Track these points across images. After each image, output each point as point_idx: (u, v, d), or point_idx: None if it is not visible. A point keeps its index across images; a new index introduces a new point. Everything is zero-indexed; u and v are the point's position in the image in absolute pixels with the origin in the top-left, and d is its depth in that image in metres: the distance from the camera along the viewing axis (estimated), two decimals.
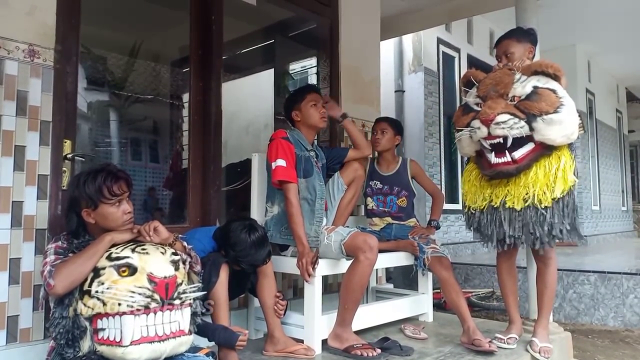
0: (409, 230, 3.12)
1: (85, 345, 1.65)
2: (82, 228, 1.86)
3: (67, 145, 2.36)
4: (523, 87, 2.31)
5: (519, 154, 2.32)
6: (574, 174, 2.37)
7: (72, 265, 1.66)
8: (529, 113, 2.25)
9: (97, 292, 1.62)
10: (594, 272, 4.66)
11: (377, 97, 4.22)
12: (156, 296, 1.63)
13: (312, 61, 4.70)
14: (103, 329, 1.62)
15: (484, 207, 2.50)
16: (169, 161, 4.92)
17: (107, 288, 1.62)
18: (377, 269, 3.44)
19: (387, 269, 4.13)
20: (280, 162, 2.56)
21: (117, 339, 1.59)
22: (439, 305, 3.80)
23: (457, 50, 7.09)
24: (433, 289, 3.29)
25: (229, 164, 4.05)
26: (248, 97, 5.31)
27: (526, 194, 2.35)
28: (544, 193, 2.32)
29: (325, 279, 3.08)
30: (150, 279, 1.64)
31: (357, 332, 2.55)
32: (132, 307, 1.59)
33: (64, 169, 2.33)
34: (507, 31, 2.70)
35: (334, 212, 2.93)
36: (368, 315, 2.80)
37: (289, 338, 2.46)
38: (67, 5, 2.37)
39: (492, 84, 2.41)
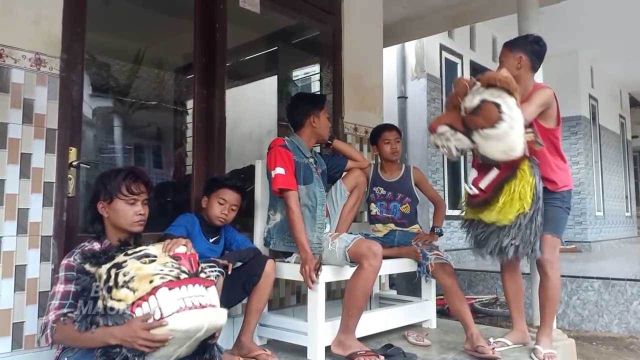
0: (412, 236, 3.12)
1: None
2: (99, 222, 1.95)
3: (73, 153, 2.38)
4: (471, 100, 2.30)
5: (484, 183, 2.39)
6: (536, 191, 2.39)
7: (68, 340, 1.72)
8: (468, 127, 2.28)
9: (125, 281, 1.62)
10: (597, 278, 4.65)
11: (380, 103, 4.24)
12: (184, 268, 1.69)
13: (315, 68, 4.72)
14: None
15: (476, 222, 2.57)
16: (173, 167, 4.93)
17: (135, 274, 1.63)
18: (380, 276, 3.44)
19: (390, 275, 4.12)
20: (280, 170, 2.57)
21: (157, 317, 1.57)
22: (443, 311, 3.79)
23: (460, 56, 7.11)
24: (436, 296, 3.29)
25: (232, 170, 4.06)
26: (251, 104, 5.33)
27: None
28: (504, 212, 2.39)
29: (328, 285, 3.08)
30: (174, 256, 1.72)
31: (361, 339, 2.55)
32: (164, 278, 1.62)
33: (70, 176, 2.35)
34: (513, 38, 2.72)
35: (336, 219, 2.94)
36: (371, 321, 2.80)
37: (254, 343, 2.51)
38: (73, 14, 2.40)
39: (451, 95, 2.46)
